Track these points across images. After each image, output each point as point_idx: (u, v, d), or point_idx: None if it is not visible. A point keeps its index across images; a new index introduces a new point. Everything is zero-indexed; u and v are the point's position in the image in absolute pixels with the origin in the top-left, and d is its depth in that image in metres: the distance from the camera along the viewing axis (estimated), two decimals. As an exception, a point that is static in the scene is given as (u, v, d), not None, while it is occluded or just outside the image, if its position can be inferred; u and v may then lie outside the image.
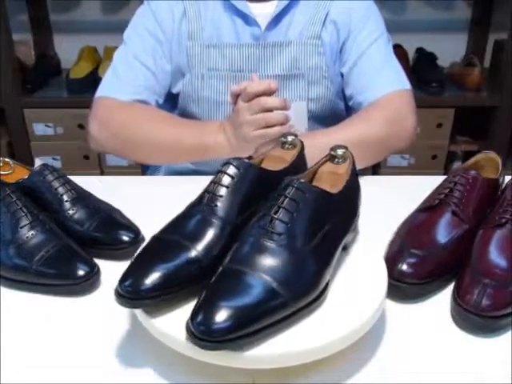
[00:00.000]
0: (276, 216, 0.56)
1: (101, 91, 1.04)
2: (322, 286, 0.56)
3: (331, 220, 0.59)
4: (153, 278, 0.55)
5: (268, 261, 0.54)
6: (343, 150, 0.68)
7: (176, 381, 0.57)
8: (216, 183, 0.62)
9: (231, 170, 0.63)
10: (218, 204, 0.61)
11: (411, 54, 2.22)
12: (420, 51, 2.22)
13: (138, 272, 0.55)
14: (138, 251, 0.60)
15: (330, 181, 0.68)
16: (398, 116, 0.99)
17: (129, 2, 2.16)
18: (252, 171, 0.64)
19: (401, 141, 1.00)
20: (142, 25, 1.05)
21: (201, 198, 0.62)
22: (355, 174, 0.67)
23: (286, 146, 0.74)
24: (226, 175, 0.62)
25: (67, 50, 2.20)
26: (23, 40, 2.18)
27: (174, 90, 1.09)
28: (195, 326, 0.49)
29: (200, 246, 0.58)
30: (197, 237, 0.59)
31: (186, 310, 0.54)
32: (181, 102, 1.09)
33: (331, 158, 0.69)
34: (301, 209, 0.57)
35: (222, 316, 0.49)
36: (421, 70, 2.10)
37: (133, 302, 0.54)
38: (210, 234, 0.59)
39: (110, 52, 2.07)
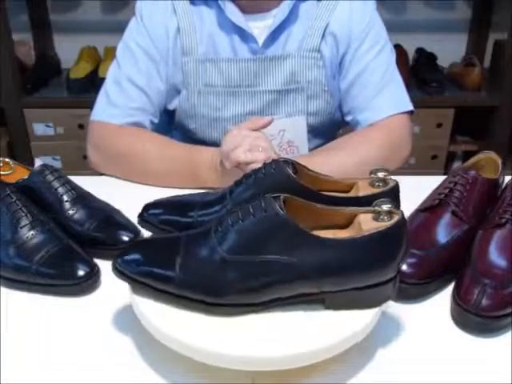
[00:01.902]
0: (228, 215, 0.56)
1: (94, 115, 1.02)
2: (224, 301, 0.54)
3: (285, 256, 0.53)
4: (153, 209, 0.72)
5: (195, 245, 0.57)
6: (388, 206, 0.56)
7: (176, 381, 0.57)
8: (253, 172, 0.67)
9: (269, 167, 0.65)
10: (234, 190, 0.67)
11: (411, 54, 2.22)
12: (420, 51, 2.22)
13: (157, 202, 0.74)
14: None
15: (356, 231, 0.58)
16: (398, 142, 0.98)
17: (129, 2, 2.16)
18: (283, 178, 0.63)
19: (397, 163, 0.99)
20: (135, 43, 1.01)
21: (239, 179, 0.68)
22: (375, 245, 0.54)
23: (376, 183, 0.65)
24: (259, 169, 0.66)
25: (67, 49, 2.20)
26: (23, 40, 2.18)
27: (171, 107, 1.06)
28: (116, 258, 0.58)
29: (198, 212, 0.68)
30: (204, 204, 0.68)
31: (186, 311, 0.55)
32: (177, 118, 1.07)
33: (375, 213, 0.57)
34: (251, 221, 0.54)
35: (127, 257, 0.57)
36: (421, 69, 2.10)
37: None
38: (211, 209, 0.67)
39: (110, 52, 2.07)
